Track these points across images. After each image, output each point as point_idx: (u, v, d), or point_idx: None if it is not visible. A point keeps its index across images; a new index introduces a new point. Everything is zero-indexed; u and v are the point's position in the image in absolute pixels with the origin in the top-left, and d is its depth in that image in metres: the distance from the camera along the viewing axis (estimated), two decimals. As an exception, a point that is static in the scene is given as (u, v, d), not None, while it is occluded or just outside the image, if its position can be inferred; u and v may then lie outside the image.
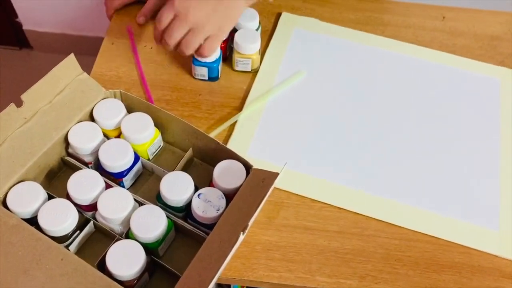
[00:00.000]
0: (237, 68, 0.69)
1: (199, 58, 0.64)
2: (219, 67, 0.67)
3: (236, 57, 0.67)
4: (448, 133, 0.66)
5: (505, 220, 0.58)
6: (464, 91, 0.70)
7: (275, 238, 0.56)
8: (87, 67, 0.69)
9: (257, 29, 0.69)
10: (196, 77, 0.68)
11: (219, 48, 0.66)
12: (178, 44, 0.59)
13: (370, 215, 0.58)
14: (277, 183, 0.58)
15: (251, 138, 0.63)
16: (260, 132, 0.64)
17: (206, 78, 0.68)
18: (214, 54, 0.64)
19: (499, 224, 0.58)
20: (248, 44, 0.66)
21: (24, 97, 0.52)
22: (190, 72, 0.69)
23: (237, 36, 0.66)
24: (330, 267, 0.54)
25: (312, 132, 0.64)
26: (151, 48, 0.72)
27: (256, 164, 0.55)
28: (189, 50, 0.58)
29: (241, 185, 0.53)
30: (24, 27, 1.58)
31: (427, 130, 0.66)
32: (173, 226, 0.52)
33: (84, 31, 1.56)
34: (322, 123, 0.65)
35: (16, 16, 1.54)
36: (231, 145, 0.62)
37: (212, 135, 0.62)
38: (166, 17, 0.56)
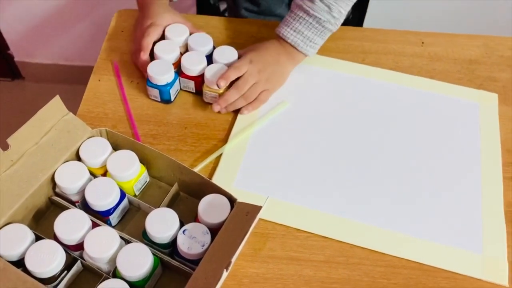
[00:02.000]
0: (206, 100, 0.71)
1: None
2: (171, 91, 0.69)
3: (204, 89, 0.70)
4: (430, 159, 0.67)
5: (487, 243, 0.59)
6: (444, 116, 0.71)
7: (261, 270, 0.56)
8: (79, 95, 0.71)
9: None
10: (151, 97, 0.71)
11: (172, 72, 0.68)
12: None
13: (355, 243, 0.59)
14: (263, 214, 0.59)
15: (237, 170, 0.64)
16: (245, 164, 0.65)
17: (159, 100, 0.70)
18: (165, 78, 0.67)
19: (482, 247, 0.59)
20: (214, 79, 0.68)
21: (10, 140, 0.53)
22: (176, 107, 0.71)
23: (206, 71, 0.68)
24: (317, 298, 0.55)
25: (296, 162, 0.66)
26: (138, 83, 0.73)
27: (242, 196, 0.56)
28: (253, 96, 0.70)
29: (226, 219, 0.54)
30: (16, 59, 1.60)
31: (408, 156, 0.67)
32: (159, 263, 0.53)
33: (75, 61, 1.58)
34: (305, 153, 0.67)
35: (8, 48, 1.56)
36: (217, 178, 0.63)
37: (198, 168, 0.64)
38: (241, 69, 0.69)
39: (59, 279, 0.51)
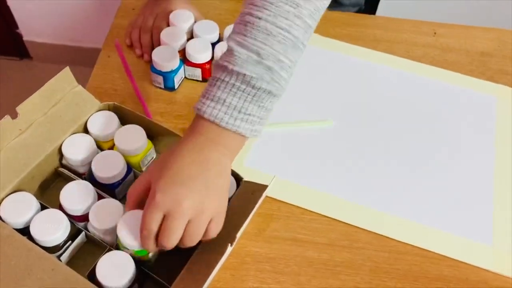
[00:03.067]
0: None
1: None
2: (175, 79, 0.68)
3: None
4: (443, 147, 0.66)
5: (498, 235, 0.59)
6: (460, 108, 0.71)
7: (265, 250, 0.56)
8: (85, 77, 0.70)
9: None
10: (154, 84, 0.70)
11: (178, 59, 0.67)
12: None
13: (360, 226, 0.59)
14: (270, 192, 0.59)
15: (249, 149, 0.64)
16: (258, 143, 0.65)
17: (162, 87, 0.69)
18: (170, 65, 0.66)
19: (492, 238, 0.58)
20: None
21: (19, 108, 0.53)
22: (184, 86, 0.70)
23: (217, 48, 0.68)
24: (319, 279, 0.55)
25: (306, 143, 0.65)
26: (145, 61, 0.73)
27: (252, 175, 0.55)
28: (197, 240, 0.46)
29: (232, 197, 0.54)
30: (25, 38, 1.60)
31: (421, 144, 0.67)
32: None
33: (83, 42, 1.58)
34: (316, 134, 0.66)
35: (16, 27, 1.56)
36: None
37: None
38: (154, 219, 0.44)
39: (63, 249, 0.52)
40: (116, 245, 0.52)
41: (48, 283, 0.46)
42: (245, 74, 0.45)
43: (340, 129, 0.67)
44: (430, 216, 0.60)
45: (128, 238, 0.48)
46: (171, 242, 0.45)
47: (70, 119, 0.58)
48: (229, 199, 0.54)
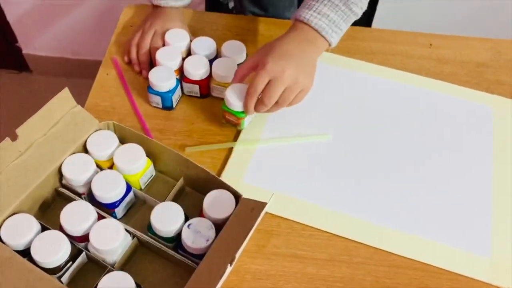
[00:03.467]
0: (213, 94, 0.71)
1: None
2: (173, 98, 0.68)
3: (212, 84, 0.70)
4: (440, 161, 0.67)
5: (496, 247, 0.59)
6: (456, 119, 0.71)
7: (264, 267, 0.57)
8: (85, 90, 0.71)
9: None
10: (152, 104, 0.70)
11: (174, 78, 0.67)
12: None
13: (360, 241, 0.59)
14: (271, 209, 0.59)
15: (247, 165, 0.64)
16: (256, 159, 0.65)
17: (161, 107, 0.69)
18: (167, 85, 0.66)
19: (491, 250, 0.59)
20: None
21: (19, 131, 0.54)
22: (182, 102, 0.71)
23: (214, 65, 0.69)
24: (319, 295, 0.55)
25: (304, 157, 0.66)
26: (145, 78, 0.73)
27: (250, 191, 0.56)
28: (286, 104, 0.62)
29: (231, 215, 0.54)
30: (24, 51, 1.60)
31: (419, 157, 0.67)
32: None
33: (82, 55, 1.59)
34: (314, 148, 0.67)
35: (16, 40, 1.56)
36: (227, 172, 0.63)
37: (202, 148, 0.65)
38: (262, 81, 0.60)
39: (64, 269, 0.52)
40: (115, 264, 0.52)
41: None
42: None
43: (338, 142, 0.68)
44: (429, 229, 0.60)
45: (234, 99, 0.62)
46: (271, 100, 0.60)
47: (69, 139, 0.58)
48: (229, 217, 0.54)
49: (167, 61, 0.69)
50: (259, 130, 0.68)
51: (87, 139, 0.59)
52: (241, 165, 0.64)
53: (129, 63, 0.75)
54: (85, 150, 0.59)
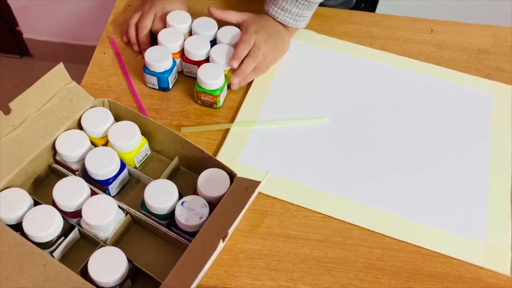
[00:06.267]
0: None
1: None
2: (169, 79, 0.68)
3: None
4: (437, 144, 0.66)
5: (492, 232, 0.59)
6: (455, 105, 0.71)
7: (258, 247, 0.56)
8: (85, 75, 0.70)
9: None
10: (148, 85, 0.69)
11: (171, 59, 0.67)
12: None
13: (354, 223, 0.58)
14: (265, 189, 0.59)
15: (243, 146, 0.64)
16: (252, 141, 0.65)
17: (157, 87, 0.69)
18: (163, 65, 0.66)
19: (486, 235, 0.58)
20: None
21: (12, 104, 0.53)
22: (180, 82, 0.70)
23: (211, 52, 0.68)
24: (313, 276, 0.55)
25: (301, 140, 0.65)
26: (143, 58, 0.73)
27: (245, 171, 0.56)
28: (266, 69, 0.72)
29: (225, 193, 0.54)
30: (25, 36, 1.60)
31: (415, 141, 0.66)
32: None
33: (83, 40, 1.58)
34: (311, 131, 0.66)
35: (16, 24, 1.56)
36: (223, 153, 0.63)
37: (198, 129, 0.64)
38: (248, 44, 0.68)
39: (56, 244, 0.52)
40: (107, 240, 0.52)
41: (39, 279, 0.46)
42: None
43: (335, 126, 0.67)
44: (425, 213, 0.60)
45: (207, 78, 0.64)
46: (254, 61, 0.68)
47: (63, 115, 0.58)
48: (223, 195, 0.54)
49: (169, 42, 0.68)
50: (255, 112, 0.68)
51: (81, 115, 0.59)
52: (237, 146, 0.64)
53: (128, 43, 0.74)
54: (79, 126, 0.59)
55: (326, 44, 0.76)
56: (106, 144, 0.59)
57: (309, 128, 0.67)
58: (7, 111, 0.53)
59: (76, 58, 1.58)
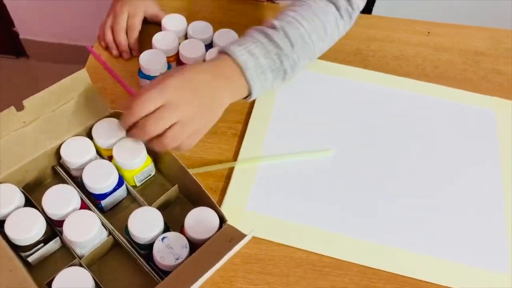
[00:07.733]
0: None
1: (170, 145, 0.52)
2: None
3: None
4: (447, 172, 0.63)
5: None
6: (460, 125, 0.68)
7: (254, 251, 0.56)
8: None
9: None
10: None
11: (165, 62, 0.65)
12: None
13: (375, 267, 0.56)
14: (272, 237, 0.57)
15: (249, 189, 0.60)
16: (258, 182, 0.61)
17: None
18: (157, 69, 0.64)
19: (509, 265, 0.56)
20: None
21: (26, 102, 0.52)
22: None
23: (207, 55, 0.66)
24: (308, 280, 0.55)
25: (307, 176, 0.62)
26: (127, 60, 0.72)
27: (255, 220, 0.55)
28: (174, 144, 0.51)
29: (209, 238, 0.51)
30: (21, 36, 1.59)
31: (423, 168, 0.63)
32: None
33: (80, 40, 1.58)
34: (317, 166, 0.63)
35: (13, 25, 1.55)
36: (229, 199, 0.59)
37: (201, 170, 0.61)
38: (154, 102, 0.49)
39: (33, 250, 0.50)
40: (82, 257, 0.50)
41: (2, 284, 0.45)
42: (282, 48, 0.56)
43: (341, 157, 0.63)
44: (439, 247, 0.57)
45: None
46: (156, 129, 0.49)
47: (76, 120, 0.56)
48: (207, 239, 0.51)
49: (164, 46, 0.68)
50: (258, 147, 0.64)
51: (94, 123, 0.57)
52: (243, 190, 0.60)
53: (106, 47, 0.73)
54: (90, 134, 0.57)
55: (323, 69, 0.72)
56: (111, 157, 0.56)
57: (315, 164, 0.63)
58: (19, 107, 0.52)
59: (73, 59, 1.58)
